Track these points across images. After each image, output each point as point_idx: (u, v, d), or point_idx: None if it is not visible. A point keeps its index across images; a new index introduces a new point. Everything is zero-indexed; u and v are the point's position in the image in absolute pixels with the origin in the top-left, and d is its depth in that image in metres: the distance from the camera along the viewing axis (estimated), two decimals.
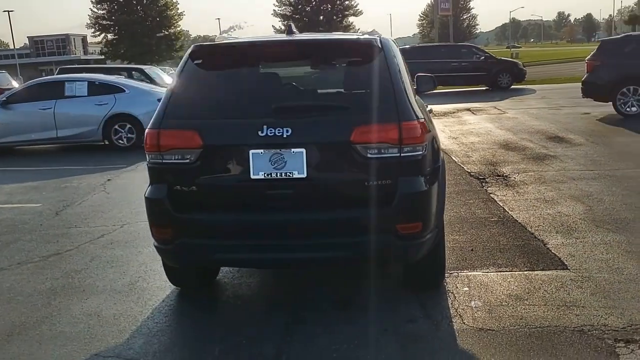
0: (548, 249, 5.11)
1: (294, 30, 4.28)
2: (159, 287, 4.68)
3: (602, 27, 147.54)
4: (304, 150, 3.56)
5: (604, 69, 13.70)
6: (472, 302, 4.12)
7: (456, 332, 3.73)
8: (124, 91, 12.41)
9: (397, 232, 3.61)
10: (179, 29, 62.63)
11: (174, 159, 3.70)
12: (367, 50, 3.85)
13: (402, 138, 3.54)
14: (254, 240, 3.68)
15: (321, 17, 58.25)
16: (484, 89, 23.09)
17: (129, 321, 4.09)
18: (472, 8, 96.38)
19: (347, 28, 57.55)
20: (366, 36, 4.02)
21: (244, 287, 4.71)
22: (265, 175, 3.60)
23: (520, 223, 5.88)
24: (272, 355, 3.58)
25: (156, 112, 3.86)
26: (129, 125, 12.20)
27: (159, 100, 12.20)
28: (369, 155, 3.55)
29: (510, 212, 6.23)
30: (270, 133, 3.56)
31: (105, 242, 5.92)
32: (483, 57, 23.21)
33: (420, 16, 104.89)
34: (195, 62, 3.96)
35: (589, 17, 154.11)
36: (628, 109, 13.39)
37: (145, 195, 3.86)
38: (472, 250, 5.16)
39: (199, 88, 3.93)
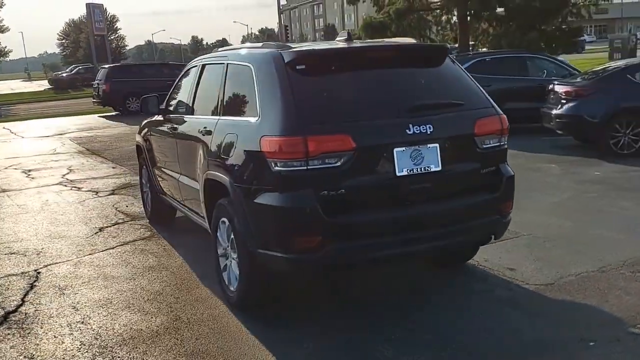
0: None
1: (352, 37, 4.46)
2: (216, 314, 4.29)
3: None
4: (437, 145, 3.87)
5: None
6: (507, 269, 4.88)
7: (532, 291, 4.47)
8: None
9: (501, 211, 4.19)
10: None
11: (323, 164, 3.60)
12: (443, 53, 4.31)
13: (502, 129, 4.14)
14: (403, 235, 3.82)
15: None
16: None
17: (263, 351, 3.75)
18: (120, 29, 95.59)
19: None
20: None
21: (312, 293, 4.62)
22: (408, 171, 3.79)
23: None
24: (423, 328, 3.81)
25: (280, 119, 3.68)
26: None
27: None
28: (483, 146, 4.05)
29: None
30: (417, 131, 3.78)
31: (52, 292, 4.90)
32: None
33: (60, 35, 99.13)
34: (298, 67, 3.87)
35: (224, 41, 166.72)
36: None
37: (283, 205, 3.65)
38: None
39: (319, 92, 3.86)
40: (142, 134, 6.74)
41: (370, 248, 3.76)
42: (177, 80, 6.02)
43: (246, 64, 4.23)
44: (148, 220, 6.98)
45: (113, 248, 6.04)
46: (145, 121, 6.88)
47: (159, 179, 6.24)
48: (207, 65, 5.19)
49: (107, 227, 6.85)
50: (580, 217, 6.27)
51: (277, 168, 3.65)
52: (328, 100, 3.84)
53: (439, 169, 3.88)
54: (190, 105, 5.26)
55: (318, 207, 3.60)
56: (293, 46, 4.16)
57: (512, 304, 4.29)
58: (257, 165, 3.80)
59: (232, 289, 4.35)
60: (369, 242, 3.75)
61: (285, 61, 3.90)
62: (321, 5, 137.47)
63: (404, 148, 3.77)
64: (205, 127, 4.61)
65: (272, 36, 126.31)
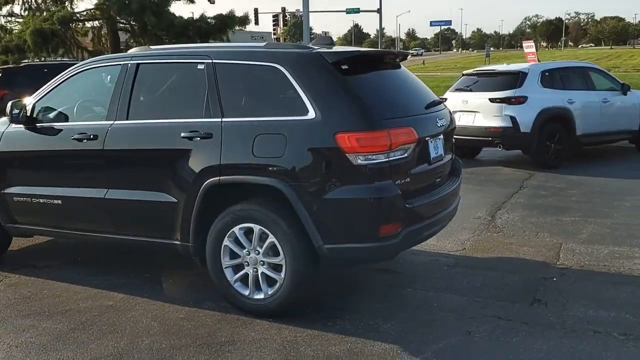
0: None
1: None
2: (263, 330, 4.09)
3: None
4: (442, 136, 4.58)
5: None
6: (422, 245, 5.79)
7: (460, 255, 5.55)
8: None
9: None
10: None
11: (398, 155, 3.93)
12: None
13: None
14: (437, 215, 4.39)
15: None
16: None
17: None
18: None
19: None
20: None
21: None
22: (434, 159, 4.41)
23: None
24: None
25: (357, 115, 3.87)
26: None
27: None
28: (454, 137, 4.92)
29: None
30: (442, 124, 4.44)
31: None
32: None
33: None
34: (343, 67, 4.06)
35: None
36: None
37: (372, 196, 3.83)
38: None
39: (370, 90, 4.08)
40: None
41: (426, 228, 4.26)
42: (53, 84, 5.04)
43: (269, 64, 4.11)
44: None
45: None
46: None
47: (21, 202, 5.09)
48: (149, 65, 4.63)
49: None
50: None
51: (359, 162, 3.81)
52: (382, 97, 4.14)
53: (443, 155, 4.59)
54: (125, 110, 4.57)
55: (400, 195, 3.93)
56: (321, 47, 4.31)
57: (464, 265, 5.26)
58: (330, 162, 3.86)
59: (260, 296, 4.17)
60: (426, 223, 4.22)
61: (330, 61, 4.04)
62: None
63: (432, 139, 4.37)
64: (195, 131, 4.22)
65: None
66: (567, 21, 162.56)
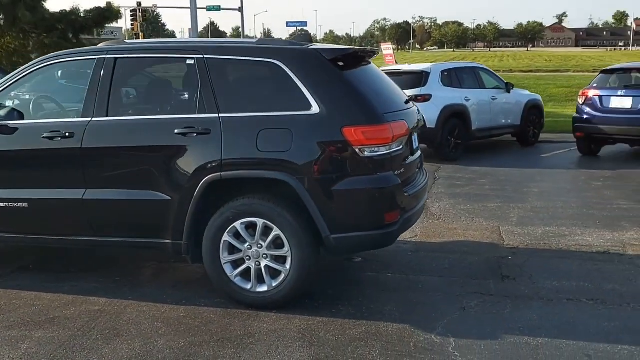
0: None
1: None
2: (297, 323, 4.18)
3: None
4: (417, 130, 4.91)
5: None
6: None
7: (417, 242, 5.94)
8: None
9: None
10: None
11: (396, 147, 4.19)
12: None
13: None
14: (420, 203, 4.69)
15: None
16: None
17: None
18: None
19: None
20: None
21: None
22: (415, 151, 4.73)
23: None
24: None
25: (362, 109, 4.07)
26: None
27: None
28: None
29: None
30: (418, 118, 4.78)
31: None
32: None
33: None
34: (339, 63, 4.22)
35: None
36: None
37: (378, 186, 4.05)
38: None
39: (364, 85, 4.27)
40: None
41: (413, 216, 4.55)
42: (12, 80, 4.69)
43: (268, 60, 4.17)
44: None
45: None
46: None
47: None
48: (129, 59, 4.47)
49: None
50: None
51: (366, 154, 4.02)
52: (376, 92, 4.36)
53: (419, 149, 4.92)
54: (104, 106, 4.37)
55: (400, 184, 4.19)
56: (310, 43, 4.43)
57: (426, 250, 5.65)
58: (337, 154, 4.02)
59: (264, 289, 4.24)
60: (413, 211, 4.51)
61: (328, 58, 4.20)
62: None
63: (413, 132, 4.67)
64: (190, 127, 4.19)
65: None
66: (413, 25, 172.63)
